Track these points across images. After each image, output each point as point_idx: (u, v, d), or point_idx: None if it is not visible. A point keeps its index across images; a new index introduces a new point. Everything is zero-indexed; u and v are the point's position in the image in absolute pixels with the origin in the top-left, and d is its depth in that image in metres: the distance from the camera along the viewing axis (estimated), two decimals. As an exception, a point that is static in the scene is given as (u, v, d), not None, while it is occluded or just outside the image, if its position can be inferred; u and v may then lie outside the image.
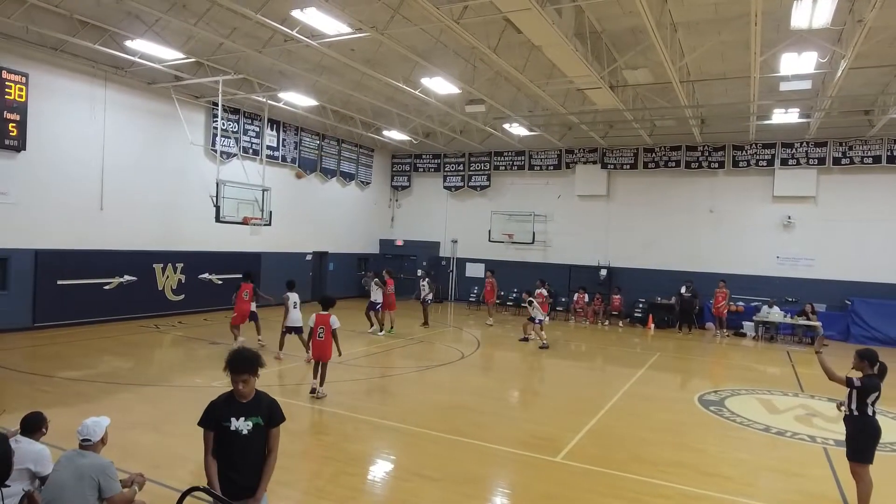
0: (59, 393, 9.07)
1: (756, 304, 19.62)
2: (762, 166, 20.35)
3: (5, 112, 13.11)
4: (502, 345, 16.02)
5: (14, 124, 13.30)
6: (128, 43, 13.32)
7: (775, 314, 18.52)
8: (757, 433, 8.67)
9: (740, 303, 20.01)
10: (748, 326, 19.13)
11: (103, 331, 14.53)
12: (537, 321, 15.09)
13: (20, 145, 13.46)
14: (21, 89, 13.31)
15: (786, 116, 16.98)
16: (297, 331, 12.23)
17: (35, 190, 14.01)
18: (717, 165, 20.97)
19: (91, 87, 15.11)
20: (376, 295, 16.01)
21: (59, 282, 14.37)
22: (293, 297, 12.36)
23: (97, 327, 14.81)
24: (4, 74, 13.04)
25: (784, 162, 20.02)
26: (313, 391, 9.42)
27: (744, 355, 16.19)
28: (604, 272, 22.23)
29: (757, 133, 19.33)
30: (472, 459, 7.17)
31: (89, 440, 4.17)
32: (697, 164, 21.22)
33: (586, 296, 21.19)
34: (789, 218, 20.04)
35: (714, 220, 21.16)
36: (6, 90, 13.07)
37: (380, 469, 6.98)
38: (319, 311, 9.45)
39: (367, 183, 26.04)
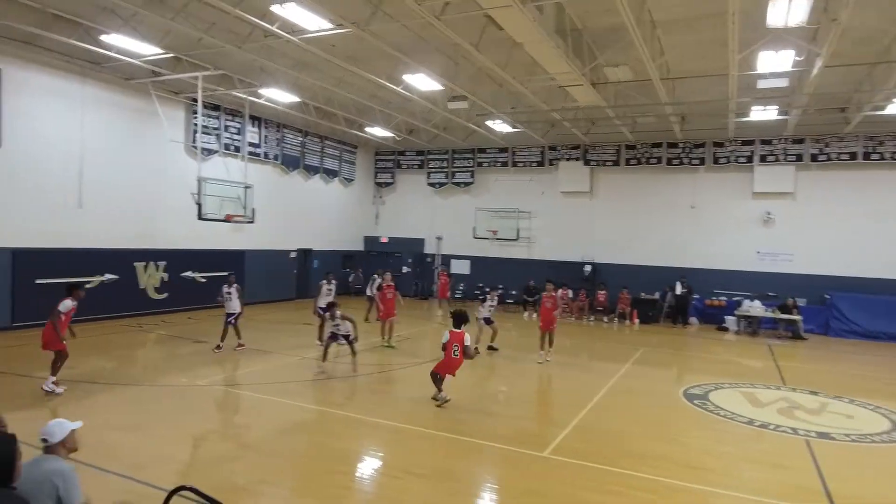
0: (39, 394, 8.89)
1: (737, 298, 19.89)
2: (742, 163, 20.62)
3: (-22, 108, 12.82)
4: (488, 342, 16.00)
5: (-12, 121, 13.00)
6: (103, 38, 13.04)
7: (756, 308, 18.80)
8: (740, 426, 8.79)
9: (722, 297, 20.28)
10: (730, 321, 19.39)
11: (85, 330, 14.14)
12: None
13: (-5, 142, 13.18)
14: (-6, 85, 13.02)
15: (764, 114, 17.20)
16: (234, 319, 12.69)
17: (11, 187, 13.72)
18: (697, 162, 21.22)
19: (67, 83, 14.82)
20: (326, 299, 13.83)
21: (38, 281, 14.10)
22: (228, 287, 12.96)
23: (78, 326, 14.35)
24: (-23, 70, 12.75)
25: (763, 158, 20.31)
26: (445, 401, 9.11)
27: (726, 349, 16.41)
28: (588, 268, 22.39)
29: (736, 130, 19.57)
30: (459, 455, 7.18)
31: (46, 440, 3.93)
32: (679, 160, 21.45)
33: (570, 292, 21.31)
34: (769, 214, 20.34)
35: (695, 216, 21.40)
36: (-21, 86, 12.78)
37: (367, 466, 6.96)
38: (452, 329, 9.21)
39: (351, 180, 25.92)
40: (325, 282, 14.30)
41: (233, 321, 12.68)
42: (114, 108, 16.09)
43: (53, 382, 8.97)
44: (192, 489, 3.69)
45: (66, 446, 4.01)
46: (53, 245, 14.58)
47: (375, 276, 18.05)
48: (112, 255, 15.95)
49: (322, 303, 13.89)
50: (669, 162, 21.60)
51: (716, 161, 20.96)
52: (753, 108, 16.86)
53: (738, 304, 19.48)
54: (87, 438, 4.54)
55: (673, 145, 21.41)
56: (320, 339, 13.47)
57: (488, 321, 13.99)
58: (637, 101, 16.83)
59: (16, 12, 11.97)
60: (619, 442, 7.80)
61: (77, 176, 15.16)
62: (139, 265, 16.77)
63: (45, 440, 3.93)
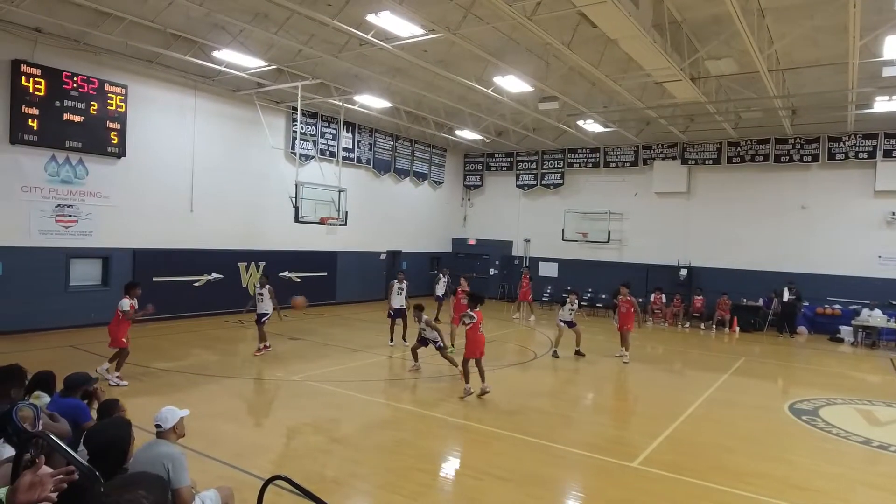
0: (153, 382, 9.73)
1: (854, 307, 18.21)
2: (862, 158, 18.88)
3: (108, 121, 14.26)
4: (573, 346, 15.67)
5: (115, 133, 14.43)
6: (215, 53, 14.07)
7: (877, 318, 17.13)
8: (855, 446, 8.04)
9: (837, 306, 18.67)
10: (846, 331, 17.80)
11: (193, 325, 15.45)
12: None
13: (120, 152, 14.59)
14: (121, 100, 14.43)
15: (890, 104, 15.62)
16: (264, 320, 12.55)
17: (133, 194, 15.11)
18: (809, 159, 19.66)
19: (182, 96, 16.10)
20: (397, 300, 13.94)
21: (155, 279, 15.40)
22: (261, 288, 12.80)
23: (187, 321, 15.77)
24: (107, 87, 14.17)
25: (888, 154, 18.49)
26: (470, 394, 9.51)
27: (840, 362, 15.07)
28: (684, 272, 21.35)
29: (856, 123, 17.94)
30: (542, 461, 7.06)
31: (160, 426, 4.26)
32: (788, 157, 19.97)
33: (663, 297, 20.43)
34: (894, 214, 18.48)
35: (806, 217, 19.83)
36: (108, 101, 14.20)
37: (449, 466, 7.01)
38: (475, 310, 9.78)
39: (440, 182, 26.26)
40: (395, 281, 14.20)
41: (264, 321, 12.49)
42: (222, 119, 17.29)
43: (117, 377, 9.53)
44: (286, 479, 3.87)
45: (176, 432, 4.33)
46: (168, 246, 15.90)
47: (441, 275, 17.95)
48: (218, 255, 17.16)
49: (394, 303, 13.88)
50: (777, 159, 20.15)
51: (831, 157, 19.31)
52: (877, 98, 15.39)
53: (856, 313, 17.82)
54: (193, 426, 4.90)
55: (782, 141, 19.97)
56: (392, 339, 13.96)
57: (570, 324, 13.70)
58: (741, 95, 15.86)
59: (141, 34, 13.17)
60: (716, 456, 7.37)
61: (189, 182, 16.43)
62: (242, 265, 17.92)
63: (158, 426, 4.28)
